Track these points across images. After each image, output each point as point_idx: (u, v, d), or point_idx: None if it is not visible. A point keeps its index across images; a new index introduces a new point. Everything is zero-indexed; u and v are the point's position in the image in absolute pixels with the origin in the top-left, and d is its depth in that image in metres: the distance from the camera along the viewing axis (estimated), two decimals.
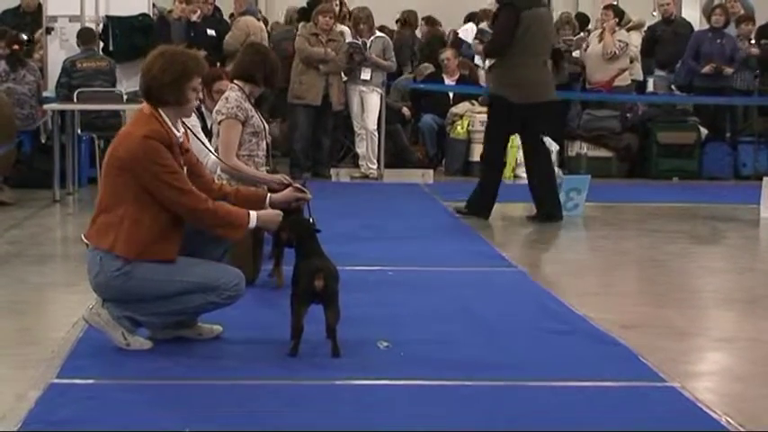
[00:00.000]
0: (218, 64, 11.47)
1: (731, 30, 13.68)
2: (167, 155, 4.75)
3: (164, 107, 4.82)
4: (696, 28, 14.57)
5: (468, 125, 13.05)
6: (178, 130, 4.90)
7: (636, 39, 14.06)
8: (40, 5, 12.58)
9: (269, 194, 5.42)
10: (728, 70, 13.17)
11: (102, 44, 11.96)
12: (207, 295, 4.84)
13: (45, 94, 11.40)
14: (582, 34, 14.09)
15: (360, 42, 12.45)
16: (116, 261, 4.76)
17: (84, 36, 11.63)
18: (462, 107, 13.28)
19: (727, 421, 4.09)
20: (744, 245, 8.98)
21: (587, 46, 13.67)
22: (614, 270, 7.64)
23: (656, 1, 15.20)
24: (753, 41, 13.80)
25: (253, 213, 4.91)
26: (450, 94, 13.64)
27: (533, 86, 9.22)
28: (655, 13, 16.19)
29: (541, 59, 9.26)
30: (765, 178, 10.09)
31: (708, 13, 14.35)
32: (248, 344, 5.07)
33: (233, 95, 6.56)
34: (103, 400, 4.20)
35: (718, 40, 13.31)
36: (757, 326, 5.85)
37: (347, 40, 12.45)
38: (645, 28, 14.61)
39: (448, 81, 13.62)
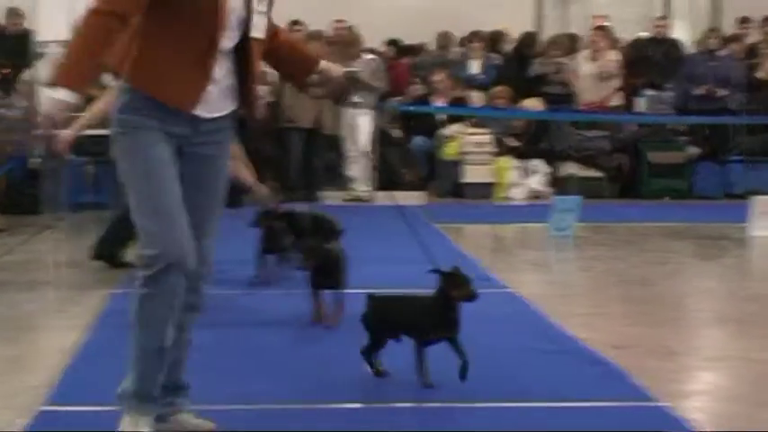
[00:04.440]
0: None
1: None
2: None
3: None
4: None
5: (459, 147, 13.07)
6: None
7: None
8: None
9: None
10: (721, 92, 13.20)
11: None
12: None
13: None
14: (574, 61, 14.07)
15: (358, 71, 12.46)
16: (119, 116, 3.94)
17: None
18: (453, 128, 13.31)
19: None
20: (734, 264, 9.01)
21: (575, 67, 13.67)
22: (605, 290, 7.64)
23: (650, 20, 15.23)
24: None
25: None
26: (443, 116, 13.67)
27: None
28: (645, 34, 16.24)
29: None
30: (754, 197, 10.12)
31: None
32: (235, 370, 5.07)
33: None
34: (93, 428, 4.18)
35: (712, 63, 13.34)
36: (747, 345, 5.86)
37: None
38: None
39: (438, 103, 13.65)
